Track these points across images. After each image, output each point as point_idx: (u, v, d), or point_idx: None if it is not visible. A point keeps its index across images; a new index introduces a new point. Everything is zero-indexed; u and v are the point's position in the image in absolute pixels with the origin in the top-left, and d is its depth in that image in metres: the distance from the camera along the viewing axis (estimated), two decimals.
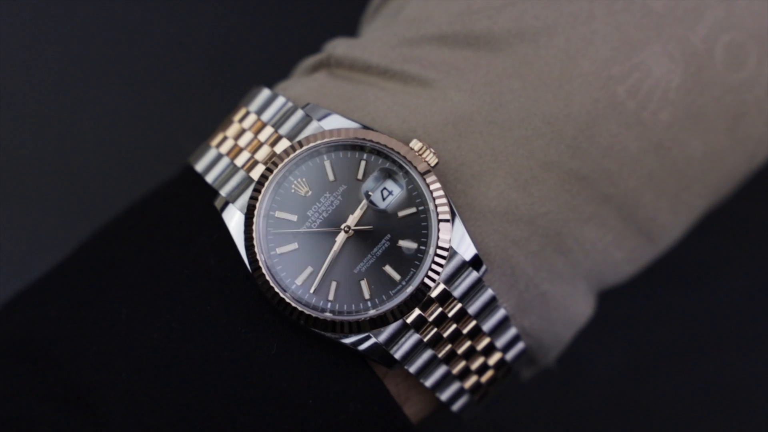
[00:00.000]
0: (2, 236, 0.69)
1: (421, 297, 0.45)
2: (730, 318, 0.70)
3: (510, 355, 0.49)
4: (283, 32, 0.72)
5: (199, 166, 0.48)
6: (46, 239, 0.56)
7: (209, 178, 0.48)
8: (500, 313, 0.47)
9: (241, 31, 0.76)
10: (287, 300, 0.45)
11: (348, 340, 0.45)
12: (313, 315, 0.45)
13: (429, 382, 0.47)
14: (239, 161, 0.47)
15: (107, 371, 0.45)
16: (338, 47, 0.50)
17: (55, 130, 0.74)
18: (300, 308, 0.45)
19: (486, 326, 0.47)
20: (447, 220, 0.45)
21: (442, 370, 0.47)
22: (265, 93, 0.49)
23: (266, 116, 0.48)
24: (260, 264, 0.45)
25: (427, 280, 0.45)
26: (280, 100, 0.48)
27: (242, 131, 0.48)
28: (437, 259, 0.45)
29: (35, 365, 0.46)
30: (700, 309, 0.68)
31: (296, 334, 0.46)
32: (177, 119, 0.69)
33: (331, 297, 0.45)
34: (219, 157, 0.48)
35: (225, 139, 0.49)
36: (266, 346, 0.45)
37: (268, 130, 0.48)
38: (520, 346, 0.49)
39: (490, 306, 0.47)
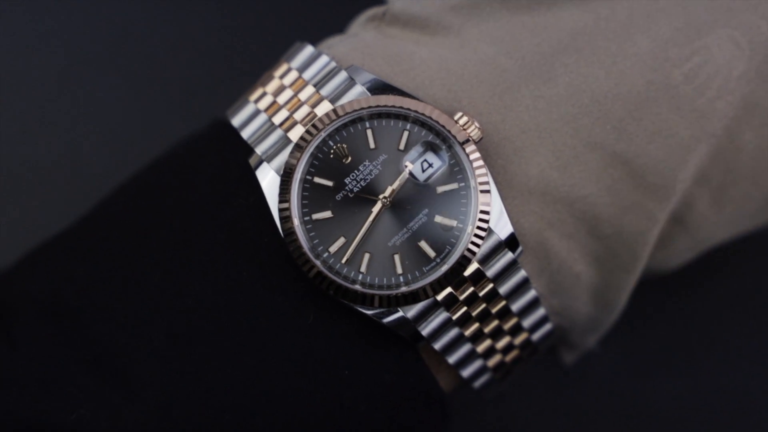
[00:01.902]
0: (2, 236, 0.69)
1: (455, 276, 0.44)
2: (730, 318, 0.70)
3: (536, 336, 0.48)
4: (283, 32, 0.71)
5: (236, 121, 0.47)
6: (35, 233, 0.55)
7: (245, 134, 0.46)
8: (531, 294, 0.46)
9: (241, 31, 0.75)
10: (318, 268, 0.44)
11: (378, 314, 0.45)
12: (344, 285, 0.44)
13: (452, 359, 0.47)
14: (277, 119, 0.46)
15: (138, 336, 0.44)
16: (397, 2, 0.48)
17: (56, 130, 0.73)
18: (331, 277, 0.44)
19: (515, 306, 0.47)
20: (487, 201, 0.44)
21: (466, 347, 0.47)
22: (309, 50, 0.47)
23: (308, 74, 0.47)
24: (294, 229, 0.44)
25: (462, 260, 0.44)
26: (324, 59, 0.47)
27: (282, 88, 0.47)
28: (474, 239, 0.44)
29: (64, 327, 0.44)
30: (700, 309, 0.68)
31: (332, 304, 0.45)
32: (177, 119, 0.68)
33: (363, 269, 0.44)
34: (256, 112, 0.47)
35: (264, 94, 0.47)
36: (303, 315, 0.44)
37: (309, 90, 0.46)
38: (547, 327, 0.48)
39: (522, 287, 0.46)
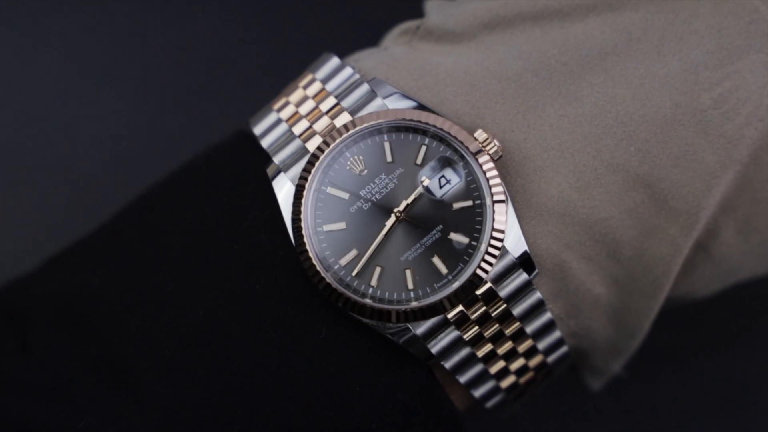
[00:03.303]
0: (3, 237, 0.69)
1: (466, 294, 0.44)
2: (730, 318, 0.69)
3: (551, 358, 0.47)
4: (285, 34, 0.71)
5: (258, 129, 0.47)
6: (45, 241, 0.55)
7: (265, 143, 0.46)
8: (546, 317, 0.46)
9: (243, 33, 0.75)
10: (327, 280, 0.44)
11: (387, 330, 0.44)
12: (353, 299, 0.44)
13: (464, 379, 0.46)
14: (297, 129, 0.46)
15: (150, 346, 0.44)
16: (432, 16, 0.48)
17: (56, 130, 0.74)
18: (340, 290, 0.44)
19: (530, 329, 0.46)
20: (503, 219, 0.44)
21: (478, 367, 0.46)
22: (334, 61, 0.47)
23: (331, 86, 0.46)
24: (305, 239, 0.44)
25: (474, 278, 0.44)
26: (347, 71, 0.46)
27: (305, 98, 0.47)
28: (487, 257, 0.44)
29: (77, 334, 0.44)
30: (700, 309, 0.67)
31: (345, 319, 0.44)
32: (177, 120, 0.68)
33: (373, 283, 0.44)
34: (278, 122, 0.47)
35: (287, 104, 0.47)
36: (315, 329, 0.44)
37: (331, 101, 0.46)
38: (563, 349, 0.47)
39: (537, 309, 0.45)
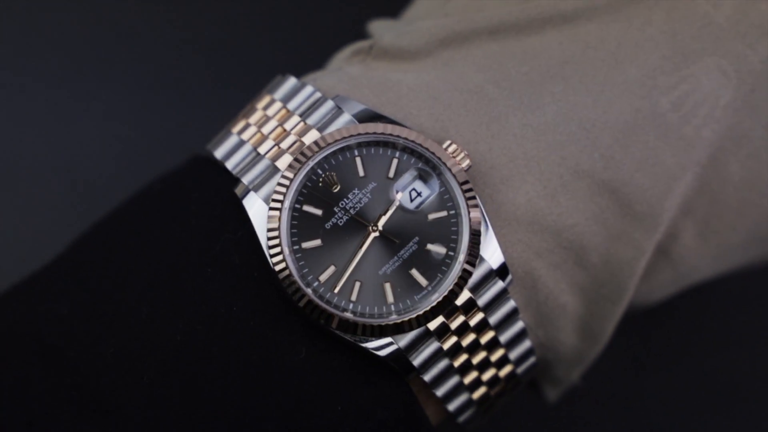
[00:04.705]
0: (3, 238, 0.67)
1: (447, 304, 0.44)
2: (730, 318, 0.70)
3: (521, 369, 0.48)
4: (284, 33, 0.71)
5: (219, 153, 0.46)
6: (45, 241, 0.53)
7: (230, 165, 0.46)
8: (519, 326, 0.46)
9: (241, 31, 0.75)
10: (309, 296, 0.43)
11: (368, 345, 0.44)
12: (335, 314, 0.43)
13: (441, 392, 0.46)
14: (263, 149, 0.45)
15: (127, 374, 0.42)
16: (385, 36, 0.48)
17: (56, 130, 0.72)
18: (322, 306, 0.43)
19: (503, 338, 0.46)
20: (478, 227, 0.44)
21: (454, 380, 0.46)
22: (291, 81, 0.47)
23: (292, 105, 0.46)
24: (284, 258, 0.43)
25: (455, 288, 0.44)
26: (308, 89, 0.46)
27: (266, 119, 0.46)
28: (467, 266, 0.44)
29: (49, 366, 0.42)
30: (700, 309, 0.68)
31: (324, 338, 0.44)
32: (177, 119, 0.67)
33: (353, 298, 0.44)
34: (240, 143, 0.46)
35: (247, 126, 0.46)
36: (294, 349, 0.43)
37: (295, 119, 0.46)
38: (532, 359, 0.48)
39: (511, 318, 0.46)
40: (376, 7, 0.55)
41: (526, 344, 0.47)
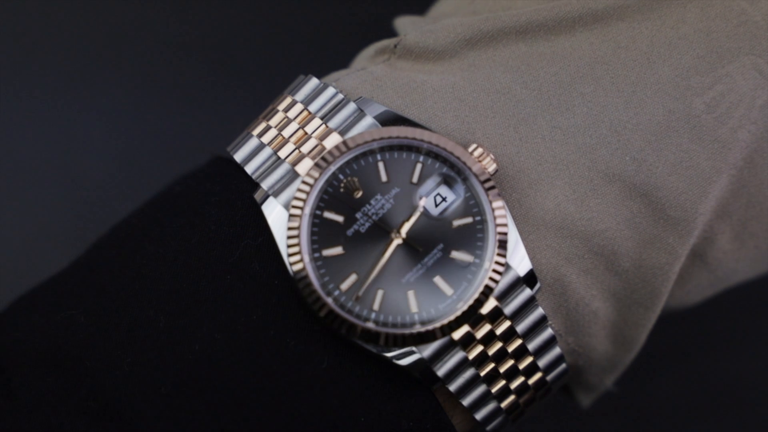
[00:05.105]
0: (6, 240, 0.67)
1: (472, 313, 0.43)
2: (730, 318, 0.69)
3: (551, 376, 0.47)
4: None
5: (239, 155, 0.45)
6: (47, 243, 0.53)
7: (249, 169, 0.44)
8: (547, 333, 0.45)
9: (245, 34, 0.74)
10: (330, 306, 0.42)
11: (390, 354, 0.43)
12: (356, 324, 0.42)
13: (467, 401, 0.45)
14: (283, 153, 0.44)
15: (145, 385, 0.41)
16: (410, 34, 0.47)
17: (57, 130, 0.71)
18: (343, 316, 0.42)
19: (531, 346, 0.45)
20: (505, 234, 0.43)
21: (481, 389, 0.45)
22: (313, 82, 0.46)
23: (314, 107, 0.45)
24: (304, 266, 0.42)
25: (480, 296, 0.42)
26: (330, 91, 0.45)
27: (287, 121, 0.45)
28: (492, 275, 0.42)
29: (65, 376, 0.42)
30: (700, 309, 0.67)
31: (347, 348, 0.43)
32: (179, 120, 0.67)
33: (376, 307, 0.43)
34: (261, 146, 0.45)
35: (268, 128, 0.45)
36: (317, 359, 0.42)
37: (316, 122, 0.44)
38: (562, 366, 0.46)
39: (540, 326, 0.44)
40: (402, 3, 0.53)
41: (556, 351, 0.46)
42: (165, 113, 0.72)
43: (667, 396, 0.68)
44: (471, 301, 0.42)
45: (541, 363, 0.46)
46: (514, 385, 0.46)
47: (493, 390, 0.45)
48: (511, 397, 0.46)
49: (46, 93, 0.73)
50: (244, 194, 0.44)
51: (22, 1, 0.73)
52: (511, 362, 0.45)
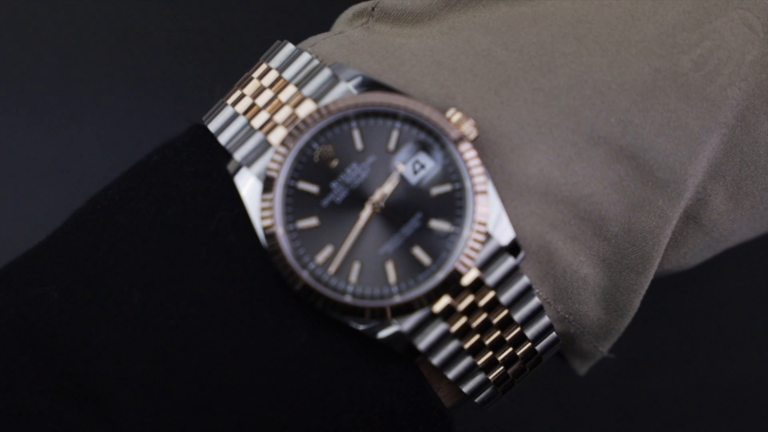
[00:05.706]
0: (6, 240, 0.66)
1: (452, 284, 0.41)
2: (730, 318, 0.68)
3: (540, 346, 0.45)
4: (286, 34, 0.70)
5: (213, 126, 0.44)
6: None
7: (222, 140, 0.43)
8: (534, 302, 0.43)
9: (245, 34, 0.73)
10: (304, 280, 0.41)
11: (369, 327, 0.41)
12: (333, 297, 0.41)
13: (452, 374, 0.44)
14: (256, 122, 0.43)
15: (119, 362, 0.40)
16: None
17: (56, 130, 0.71)
18: (319, 289, 0.41)
19: (517, 316, 0.43)
20: (485, 203, 0.41)
21: (467, 361, 0.44)
22: (289, 48, 0.44)
23: (288, 74, 0.44)
24: (277, 239, 0.41)
25: (459, 266, 0.41)
26: (305, 57, 0.44)
27: (262, 89, 0.44)
28: (472, 243, 0.41)
29: (38, 354, 0.41)
30: (700, 309, 0.66)
31: (327, 321, 0.41)
32: (179, 120, 0.66)
33: (353, 279, 0.41)
34: (235, 116, 0.44)
35: (242, 96, 0.44)
36: (295, 334, 0.41)
37: (291, 89, 0.43)
38: (551, 335, 0.45)
39: (525, 295, 0.43)
40: None
41: (544, 320, 0.44)
42: (165, 113, 0.72)
43: (668, 396, 0.68)
44: (450, 271, 0.41)
45: (529, 333, 0.44)
46: (501, 356, 0.44)
47: (479, 362, 0.44)
48: (499, 369, 0.45)
49: (46, 93, 0.72)
50: (221, 165, 0.43)
51: (22, 1, 0.73)
52: (496, 333, 0.44)
